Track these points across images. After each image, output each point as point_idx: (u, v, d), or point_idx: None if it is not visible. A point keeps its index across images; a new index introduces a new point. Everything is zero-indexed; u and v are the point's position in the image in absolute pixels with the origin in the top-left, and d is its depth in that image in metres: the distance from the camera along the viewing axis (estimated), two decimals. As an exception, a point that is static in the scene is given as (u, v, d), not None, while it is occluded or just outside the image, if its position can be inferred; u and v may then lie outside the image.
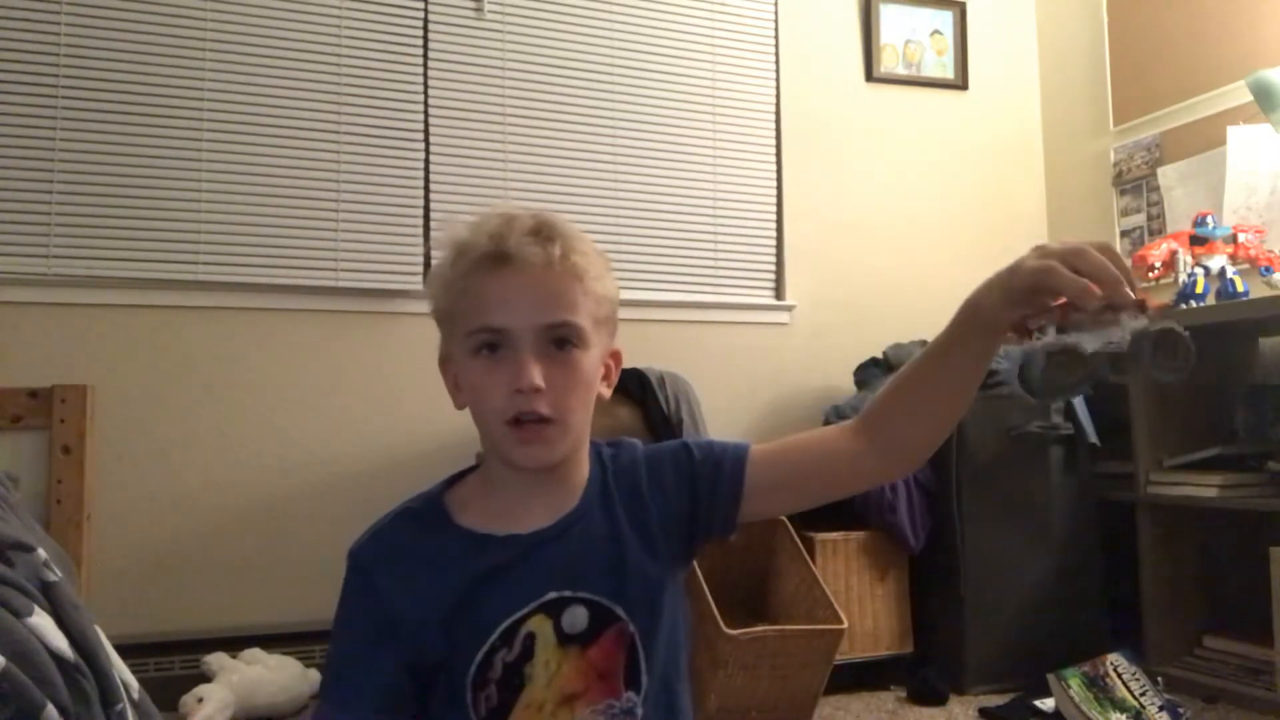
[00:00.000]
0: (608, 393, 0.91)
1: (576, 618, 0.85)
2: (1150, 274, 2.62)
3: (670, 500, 0.91)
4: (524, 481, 0.88)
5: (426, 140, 2.72)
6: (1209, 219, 2.53)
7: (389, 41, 2.71)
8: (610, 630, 0.86)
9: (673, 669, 0.91)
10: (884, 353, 2.82)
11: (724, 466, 0.90)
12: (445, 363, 0.90)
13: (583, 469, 0.91)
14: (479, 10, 2.80)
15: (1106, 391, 2.55)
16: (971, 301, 0.80)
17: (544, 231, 0.84)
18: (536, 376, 0.81)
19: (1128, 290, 0.70)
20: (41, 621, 0.60)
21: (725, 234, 3.02)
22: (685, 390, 2.51)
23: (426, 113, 2.73)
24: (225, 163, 2.54)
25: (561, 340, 0.84)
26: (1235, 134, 2.65)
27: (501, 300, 0.83)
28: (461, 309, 0.85)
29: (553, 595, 0.85)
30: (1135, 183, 3.03)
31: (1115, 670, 2.11)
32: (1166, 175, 2.91)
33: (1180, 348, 0.69)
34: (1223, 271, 2.45)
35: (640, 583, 0.88)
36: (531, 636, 0.84)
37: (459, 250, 0.86)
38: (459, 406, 0.89)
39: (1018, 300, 0.76)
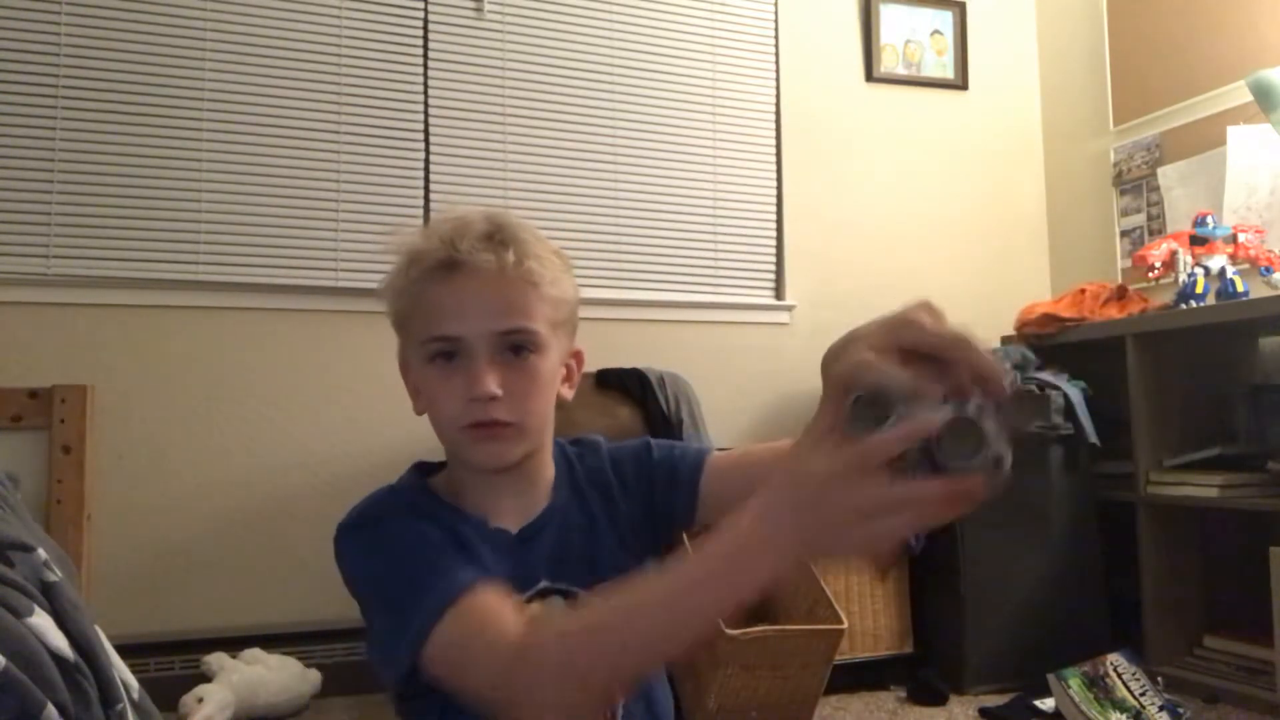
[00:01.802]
0: (569, 394, 0.91)
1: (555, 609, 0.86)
2: (1150, 274, 2.62)
3: (632, 497, 0.92)
4: (489, 483, 0.88)
5: (426, 140, 2.72)
6: (1209, 219, 2.53)
7: (389, 41, 2.71)
8: None
9: None
10: (884, 353, 2.82)
11: (680, 472, 0.91)
12: (405, 367, 0.90)
13: (548, 469, 0.91)
14: (479, 10, 2.80)
15: (1107, 391, 2.55)
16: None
17: (497, 236, 0.83)
18: (492, 385, 0.81)
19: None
20: (41, 621, 0.60)
21: (725, 234, 3.02)
22: (685, 390, 2.51)
23: (426, 113, 2.73)
24: (225, 163, 2.54)
25: (517, 346, 0.83)
26: (1235, 134, 2.65)
27: (455, 308, 0.82)
28: (416, 317, 0.85)
29: (545, 584, 0.86)
30: (1135, 183, 3.03)
31: (1115, 670, 2.11)
32: (1166, 175, 2.91)
33: (971, 440, 0.51)
34: (1223, 271, 2.45)
35: (616, 576, 0.88)
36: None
37: (412, 257, 0.84)
38: (418, 412, 0.89)
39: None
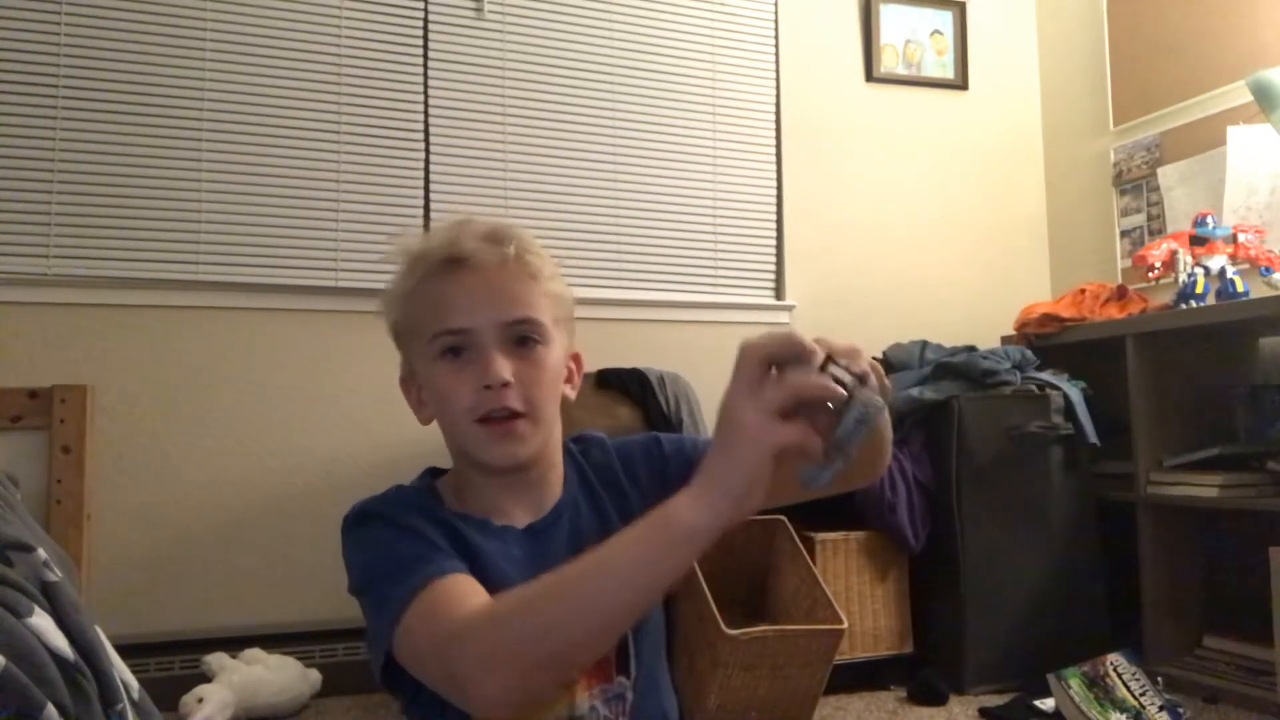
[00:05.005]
0: (572, 395, 0.92)
1: None
2: (1150, 274, 2.62)
3: (644, 492, 0.92)
4: (498, 486, 0.88)
5: (426, 140, 2.72)
6: (1209, 219, 2.53)
7: (389, 41, 2.71)
8: None
9: (655, 654, 0.93)
10: (884, 353, 2.82)
11: (695, 464, 0.91)
12: (407, 381, 0.91)
13: (558, 469, 0.92)
14: (479, 10, 2.80)
15: (1107, 391, 2.55)
16: None
17: (497, 234, 0.86)
18: (504, 370, 0.82)
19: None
20: (41, 621, 0.60)
21: (725, 234, 3.02)
22: (685, 390, 2.51)
23: (426, 113, 2.73)
24: (225, 163, 2.54)
25: (523, 337, 0.85)
26: (1235, 134, 2.65)
27: (462, 302, 0.83)
28: (421, 317, 0.86)
29: None
30: (1135, 183, 3.03)
31: (1115, 670, 2.11)
32: (1166, 175, 2.91)
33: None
34: (1223, 271, 2.45)
35: None
36: None
37: (414, 260, 0.86)
38: (424, 422, 0.90)
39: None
